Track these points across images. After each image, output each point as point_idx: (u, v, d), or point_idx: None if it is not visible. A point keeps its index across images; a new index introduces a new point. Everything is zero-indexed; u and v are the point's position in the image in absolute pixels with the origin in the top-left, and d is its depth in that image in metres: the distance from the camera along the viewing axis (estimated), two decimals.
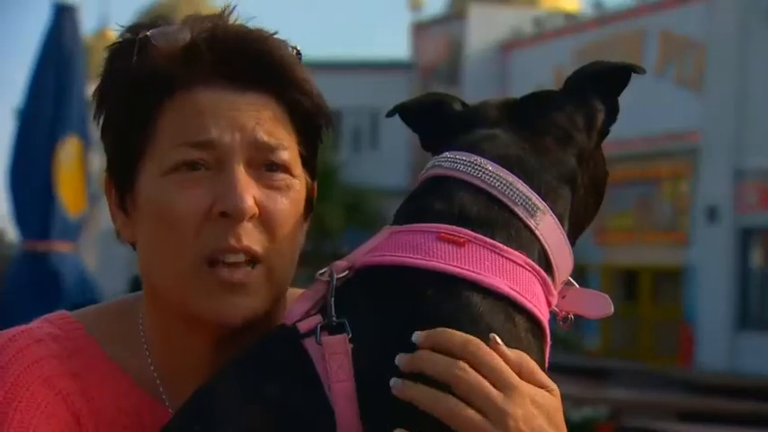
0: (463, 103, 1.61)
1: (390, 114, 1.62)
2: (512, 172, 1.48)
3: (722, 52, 24.83)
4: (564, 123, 1.54)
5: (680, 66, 26.26)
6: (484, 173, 1.48)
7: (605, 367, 21.18)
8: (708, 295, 24.83)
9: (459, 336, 1.37)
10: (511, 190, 1.47)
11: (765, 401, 15.55)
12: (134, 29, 1.54)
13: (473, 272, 1.41)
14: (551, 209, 1.49)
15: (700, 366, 24.13)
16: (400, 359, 1.36)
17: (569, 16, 32.56)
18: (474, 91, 31.75)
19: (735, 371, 23.01)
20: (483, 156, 1.50)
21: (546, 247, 1.48)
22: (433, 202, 1.48)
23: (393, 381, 1.36)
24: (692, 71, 25.93)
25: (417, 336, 1.37)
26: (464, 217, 1.45)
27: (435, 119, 1.59)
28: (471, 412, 1.35)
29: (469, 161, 1.49)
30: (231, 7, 1.55)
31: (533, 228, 1.47)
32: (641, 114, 24.29)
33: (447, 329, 1.37)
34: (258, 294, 1.49)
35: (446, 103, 1.60)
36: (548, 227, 1.49)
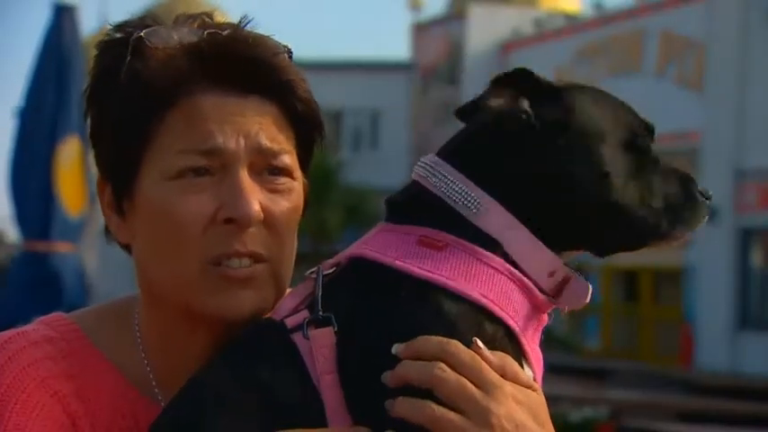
0: None
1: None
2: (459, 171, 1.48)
3: (722, 52, 24.83)
4: None
5: (680, 66, 26.26)
6: (432, 174, 1.48)
7: (605, 367, 21.19)
8: (708, 295, 24.83)
9: (436, 339, 1.38)
10: (458, 192, 1.47)
11: (765, 401, 15.55)
12: (124, 27, 1.54)
13: (444, 277, 1.42)
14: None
15: (700, 366, 24.12)
16: (385, 377, 1.38)
17: (569, 16, 32.57)
18: (474, 91, 31.60)
19: (735, 371, 23.01)
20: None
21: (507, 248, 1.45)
22: (400, 201, 1.50)
23: (386, 403, 1.37)
24: (692, 71, 25.93)
25: (396, 348, 1.38)
26: (420, 219, 1.46)
27: None
28: (453, 415, 1.36)
29: (424, 162, 1.50)
30: (213, 7, 1.56)
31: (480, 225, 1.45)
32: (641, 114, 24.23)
33: (424, 336, 1.38)
34: (263, 289, 1.50)
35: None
36: (500, 225, 1.45)
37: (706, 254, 24.77)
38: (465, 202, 1.45)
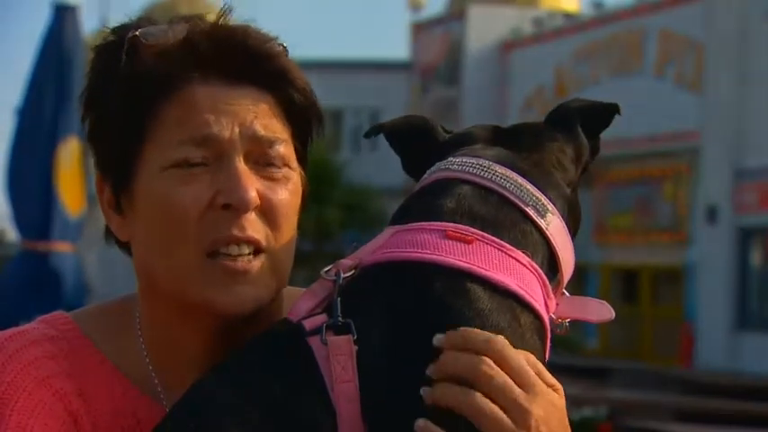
0: (446, 130, 1.62)
1: (372, 134, 1.62)
2: (520, 175, 1.50)
3: (722, 52, 24.83)
4: (557, 152, 1.56)
5: (680, 66, 26.26)
6: (494, 174, 1.50)
7: (605, 367, 21.17)
8: (708, 295, 24.83)
9: (482, 334, 1.36)
10: (521, 191, 1.49)
11: (765, 401, 15.54)
12: (120, 30, 1.55)
13: (482, 268, 1.41)
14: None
15: (699, 366, 24.12)
16: (430, 369, 1.36)
17: (569, 16, 32.56)
18: (474, 91, 31.73)
19: (735, 371, 23.00)
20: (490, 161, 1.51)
21: (555, 247, 1.49)
22: (442, 201, 1.48)
23: (423, 390, 1.35)
24: (691, 71, 25.93)
25: (438, 339, 1.36)
26: (474, 216, 1.46)
27: (424, 140, 1.60)
28: (498, 410, 1.35)
29: (478, 164, 1.51)
30: (213, 7, 1.57)
31: (544, 228, 1.48)
32: (641, 114, 24.26)
33: (469, 329, 1.36)
34: (260, 283, 1.50)
35: (434, 127, 1.61)
36: (556, 228, 1.50)
37: (706, 254, 24.77)
38: (536, 207, 1.49)
